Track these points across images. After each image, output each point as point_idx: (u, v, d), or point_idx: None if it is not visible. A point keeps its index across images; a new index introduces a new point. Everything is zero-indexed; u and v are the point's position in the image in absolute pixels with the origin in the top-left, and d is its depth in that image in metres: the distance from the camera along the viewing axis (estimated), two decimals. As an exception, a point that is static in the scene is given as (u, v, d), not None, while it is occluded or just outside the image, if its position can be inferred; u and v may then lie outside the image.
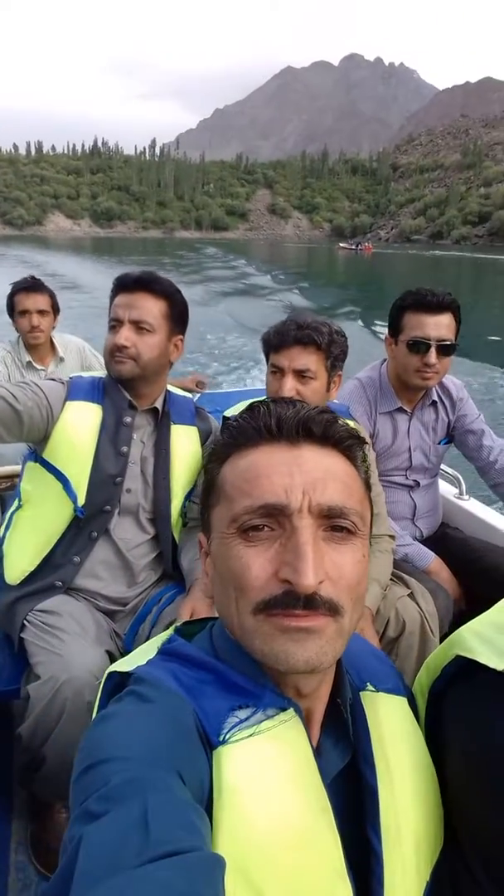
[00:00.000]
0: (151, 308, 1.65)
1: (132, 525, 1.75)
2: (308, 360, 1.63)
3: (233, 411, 1.84)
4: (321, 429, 0.65)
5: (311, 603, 0.59)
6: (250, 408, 0.69)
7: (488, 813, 0.65)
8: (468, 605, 2.10)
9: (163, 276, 1.72)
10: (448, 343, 1.97)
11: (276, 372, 1.66)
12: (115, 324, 1.66)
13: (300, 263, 58.85)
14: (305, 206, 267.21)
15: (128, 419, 1.70)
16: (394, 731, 0.72)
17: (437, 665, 0.80)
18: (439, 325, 1.96)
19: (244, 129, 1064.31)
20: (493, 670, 0.69)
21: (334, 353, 1.67)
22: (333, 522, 0.63)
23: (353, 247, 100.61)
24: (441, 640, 1.89)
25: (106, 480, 1.65)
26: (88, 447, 1.64)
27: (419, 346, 1.96)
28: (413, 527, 2.29)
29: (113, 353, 1.65)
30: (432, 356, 1.96)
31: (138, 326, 1.64)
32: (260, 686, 0.64)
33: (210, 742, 0.59)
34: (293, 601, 0.59)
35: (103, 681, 0.68)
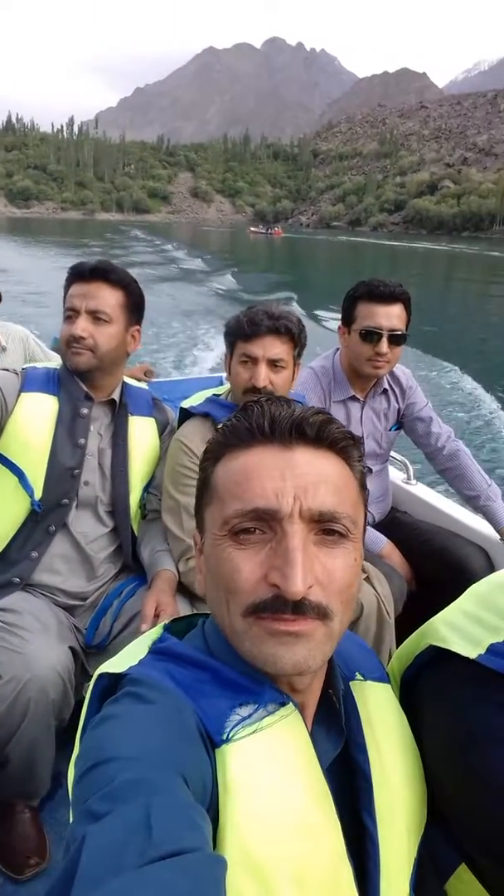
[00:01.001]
0: (108, 298, 1.63)
1: (90, 518, 1.73)
2: (281, 349, 1.65)
3: (191, 402, 1.83)
4: (315, 430, 0.65)
5: (299, 608, 0.60)
6: (244, 407, 0.69)
7: (470, 796, 0.68)
8: (418, 587, 2.14)
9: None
10: (399, 333, 2.02)
11: (248, 361, 1.66)
12: (72, 314, 1.63)
13: (224, 248, 59.69)
14: (228, 189, 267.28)
15: (84, 410, 1.68)
16: (383, 717, 0.74)
17: (409, 654, 0.83)
18: (391, 316, 2.00)
19: (166, 109, 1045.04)
20: (466, 658, 0.72)
21: (301, 343, 1.71)
22: (325, 526, 0.63)
23: (264, 231, 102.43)
24: (396, 622, 1.84)
25: (63, 473, 1.63)
26: (45, 439, 1.61)
27: (371, 336, 2.01)
28: None
29: (70, 344, 1.62)
30: (384, 345, 2.01)
31: (95, 317, 1.62)
32: (257, 683, 0.64)
33: (213, 741, 0.59)
34: (282, 605, 0.60)
35: (93, 682, 0.68)
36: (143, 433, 1.81)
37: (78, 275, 1.64)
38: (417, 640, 0.82)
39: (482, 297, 27.02)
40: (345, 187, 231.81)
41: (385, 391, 2.28)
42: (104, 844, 0.45)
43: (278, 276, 31.45)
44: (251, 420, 0.66)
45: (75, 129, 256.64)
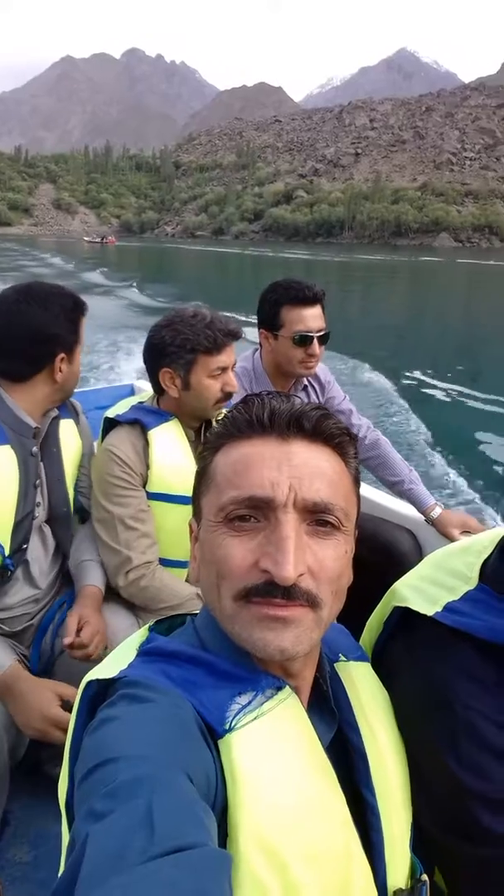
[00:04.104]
0: None
1: (38, 543, 1.63)
2: (233, 353, 1.71)
3: (116, 410, 1.75)
4: (312, 424, 0.67)
5: (290, 593, 0.61)
6: (245, 400, 0.70)
7: (441, 752, 0.70)
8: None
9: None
10: (326, 332, 2.09)
11: (221, 372, 1.68)
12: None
13: (108, 260, 59.61)
14: (92, 201, 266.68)
15: (35, 448, 1.56)
16: (369, 694, 0.77)
17: (378, 621, 0.87)
18: (317, 317, 2.06)
19: (25, 118, 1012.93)
20: (429, 620, 0.76)
21: None
22: (318, 517, 0.65)
23: (98, 240, 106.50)
24: None
25: (25, 519, 1.53)
26: (11, 498, 1.48)
27: (305, 340, 2.05)
28: None
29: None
30: (316, 347, 2.07)
31: None
32: (252, 671, 0.66)
33: (215, 733, 0.60)
34: (273, 590, 0.61)
35: (81, 690, 0.67)
36: (70, 436, 1.71)
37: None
38: (384, 606, 0.86)
39: (344, 298, 29.21)
40: (207, 198, 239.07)
41: (305, 387, 2.30)
42: (107, 842, 0.45)
43: (164, 284, 32.54)
44: (251, 412, 0.68)
45: None
